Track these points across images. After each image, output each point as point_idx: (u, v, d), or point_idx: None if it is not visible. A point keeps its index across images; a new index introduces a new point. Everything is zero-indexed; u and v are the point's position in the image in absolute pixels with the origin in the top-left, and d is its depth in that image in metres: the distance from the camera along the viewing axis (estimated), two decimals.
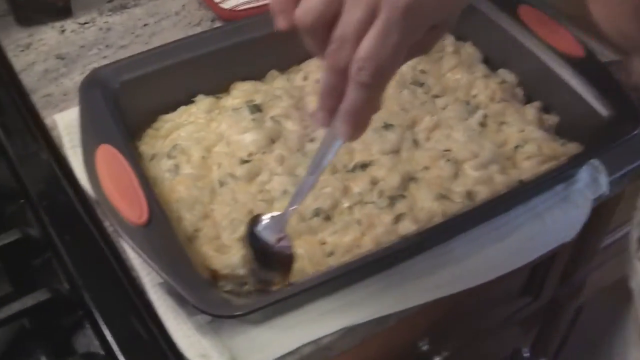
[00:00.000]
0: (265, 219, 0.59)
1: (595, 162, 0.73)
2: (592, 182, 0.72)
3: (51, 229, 0.60)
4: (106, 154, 0.58)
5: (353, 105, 0.46)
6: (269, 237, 0.58)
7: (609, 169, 0.73)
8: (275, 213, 0.59)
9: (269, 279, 0.58)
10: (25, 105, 0.76)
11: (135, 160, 0.60)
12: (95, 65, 0.80)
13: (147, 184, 0.59)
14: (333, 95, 0.47)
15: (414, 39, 0.46)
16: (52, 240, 0.59)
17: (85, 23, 0.87)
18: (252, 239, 0.58)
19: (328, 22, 0.46)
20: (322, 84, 0.48)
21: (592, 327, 1.13)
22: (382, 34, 0.43)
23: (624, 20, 0.41)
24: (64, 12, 0.87)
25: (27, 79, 0.79)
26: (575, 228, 0.71)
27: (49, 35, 0.85)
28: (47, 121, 0.74)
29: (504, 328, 0.93)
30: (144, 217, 0.54)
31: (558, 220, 0.69)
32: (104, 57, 0.82)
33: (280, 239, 0.58)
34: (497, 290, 0.70)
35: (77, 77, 0.79)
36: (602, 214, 0.81)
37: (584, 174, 0.72)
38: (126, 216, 0.54)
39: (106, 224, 0.63)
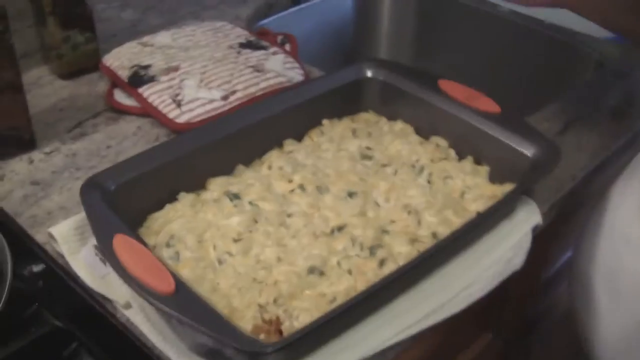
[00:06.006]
0: None
1: (527, 198, 0.85)
2: (527, 216, 0.84)
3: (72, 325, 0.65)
4: (123, 241, 0.65)
5: None
6: None
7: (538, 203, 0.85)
8: None
9: None
10: (12, 227, 0.81)
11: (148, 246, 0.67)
12: (71, 185, 0.87)
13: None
14: None
15: None
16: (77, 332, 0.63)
17: (51, 152, 0.94)
18: None
19: None
20: None
21: None
22: None
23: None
24: (30, 144, 0.94)
25: (9, 206, 0.84)
26: (521, 257, 0.81)
27: (19, 166, 0.91)
28: (38, 237, 0.79)
29: None
30: (172, 286, 0.61)
31: (505, 251, 0.79)
32: (77, 178, 0.89)
33: None
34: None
35: (56, 198, 0.85)
36: (539, 245, 0.92)
37: (520, 210, 0.84)
38: (155, 287, 0.60)
39: (118, 315, 0.69)
